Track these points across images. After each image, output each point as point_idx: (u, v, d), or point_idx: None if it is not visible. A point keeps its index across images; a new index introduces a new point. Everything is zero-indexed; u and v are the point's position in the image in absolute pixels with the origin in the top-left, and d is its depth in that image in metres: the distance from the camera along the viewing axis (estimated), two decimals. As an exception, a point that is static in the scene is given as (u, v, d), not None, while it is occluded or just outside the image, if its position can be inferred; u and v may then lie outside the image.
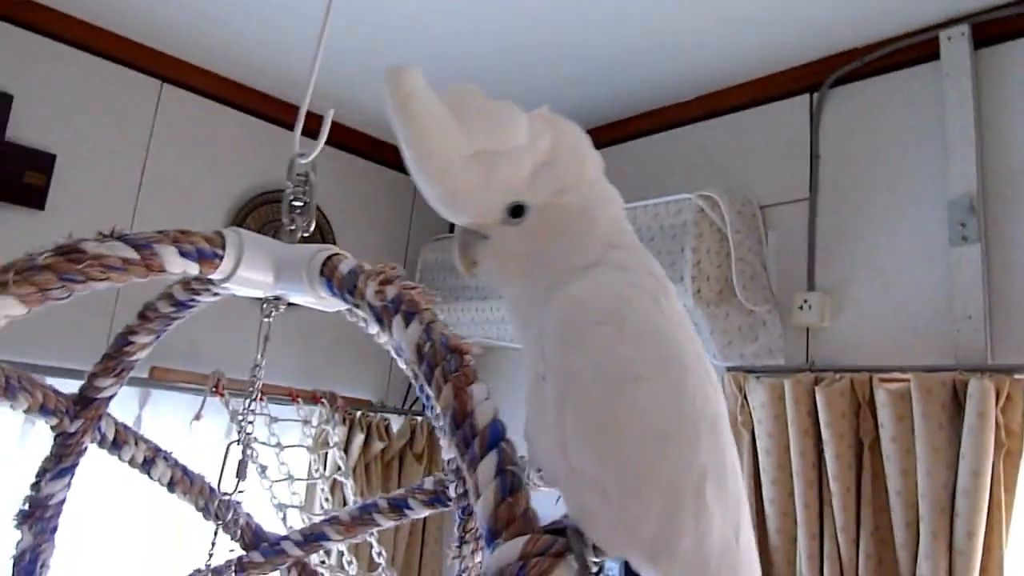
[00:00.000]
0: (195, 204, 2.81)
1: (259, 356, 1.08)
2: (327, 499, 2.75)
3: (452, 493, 1.18)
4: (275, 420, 2.64)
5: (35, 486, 1.07)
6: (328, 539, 1.27)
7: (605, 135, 2.71)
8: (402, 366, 1.16)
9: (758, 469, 2.10)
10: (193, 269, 0.91)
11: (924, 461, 1.80)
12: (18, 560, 1.06)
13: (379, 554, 2.45)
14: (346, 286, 0.90)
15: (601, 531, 0.65)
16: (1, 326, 0.73)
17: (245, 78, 2.90)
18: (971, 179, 2.03)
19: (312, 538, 1.27)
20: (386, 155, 3.35)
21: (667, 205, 2.35)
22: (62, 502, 1.11)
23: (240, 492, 1.09)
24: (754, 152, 2.56)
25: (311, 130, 1.09)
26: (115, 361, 1.15)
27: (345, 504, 2.71)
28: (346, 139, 3.16)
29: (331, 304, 1.02)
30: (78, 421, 1.12)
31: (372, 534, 2.50)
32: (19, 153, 2.39)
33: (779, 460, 2.05)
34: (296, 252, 0.98)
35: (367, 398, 3.23)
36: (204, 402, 2.62)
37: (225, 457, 1.15)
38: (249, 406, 1.11)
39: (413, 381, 1.15)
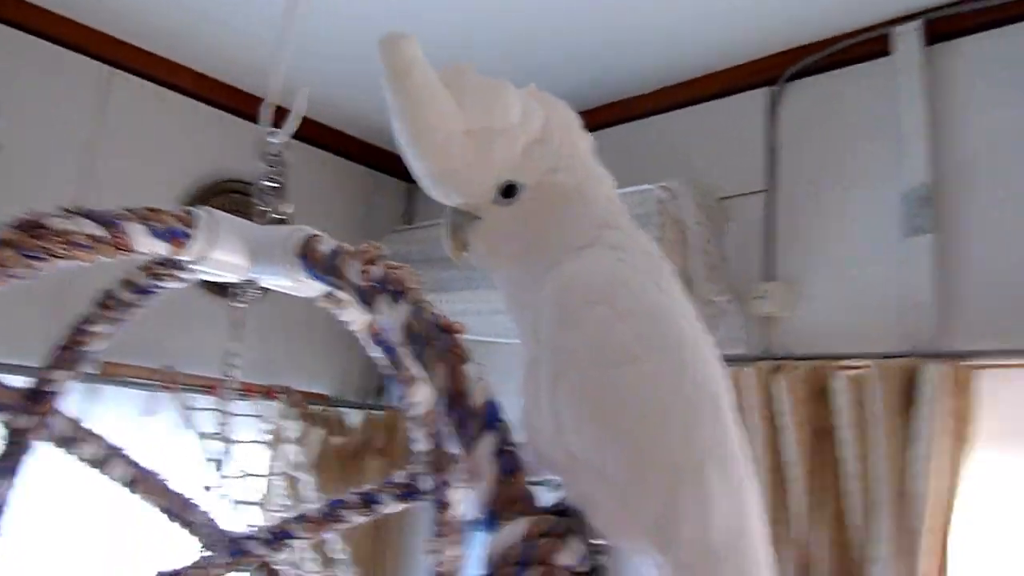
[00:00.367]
0: (145, 194, 2.71)
1: (235, 343, 1.04)
2: (285, 495, 2.70)
3: (426, 486, 1.16)
4: (231, 416, 2.57)
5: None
6: (295, 537, 1.23)
7: (565, 127, 2.68)
8: (375, 355, 1.14)
9: (720, 457, 2.12)
10: (162, 249, 0.87)
11: (879, 446, 1.84)
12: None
13: (342, 551, 2.41)
14: (327, 267, 0.87)
15: (602, 517, 0.64)
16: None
17: (199, 64, 2.81)
18: (923, 172, 2.08)
19: (279, 536, 1.23)
20: (341, 145, 3.30)
21: (629, 196, 2.36)
22: (3, 504, 1.04)
23: (219, 488, 1.05)
24: (713, 144, 2.59)
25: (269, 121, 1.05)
26: (70, 353, 1.10)
27: (303, 501, 2.66)
28: (299, 128, 3.08)
29: (307, 288, 0.99)
30: (27, 417, 1.06)
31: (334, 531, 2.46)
32: (-44, 139, 2.28)
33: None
34: (271, 233, 0.95)
35: (325, 392, 3.17)
36: (155, 397, 2.55)
37: (201, 454, 1.10)
38: (228, 396, 1.06)
39: (388, 372, 1.13)
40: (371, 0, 2.34)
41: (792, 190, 2.38)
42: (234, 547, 1.19)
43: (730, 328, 2.33)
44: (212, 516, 1.21)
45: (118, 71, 2.67)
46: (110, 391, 2.53)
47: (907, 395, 1.87)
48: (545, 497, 0.68)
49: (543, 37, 2.48)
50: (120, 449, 1.18)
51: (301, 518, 1.22)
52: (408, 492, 1.20)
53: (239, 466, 2.55)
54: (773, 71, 2.46)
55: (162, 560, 1.14)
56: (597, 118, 2.80)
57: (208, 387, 2.55)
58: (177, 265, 0.99)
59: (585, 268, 0.68)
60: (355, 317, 1.05)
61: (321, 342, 3.18)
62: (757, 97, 2.51)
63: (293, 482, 2.76)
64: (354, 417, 3.14)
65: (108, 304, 1.08)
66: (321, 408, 2.98)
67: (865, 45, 2.27)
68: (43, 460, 1.07)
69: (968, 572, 1.81)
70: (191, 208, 0.91)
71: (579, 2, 2.27)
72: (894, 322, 2.07)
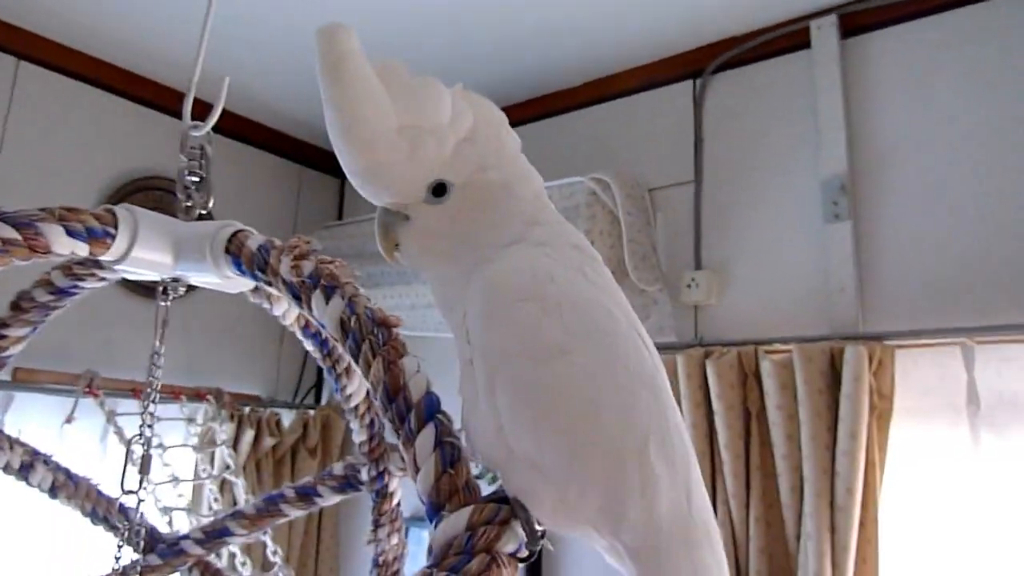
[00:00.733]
0: (59, 192, 2.59)
1: (157, 343, 1.01)
2: (216, 500, 2.63)
3: (364, 476, 1.14)
4: (157, 419, 2.48)
5: None
6: (231, 535, 1.20)
7: (495, 120, 2.68)
8: (309, 348, 1.12)
9: (654, 443, 2.16)
10: (82, 250, 0.83)
11: (807, 426, 1.91)
12: None
13: (274, 552, 2.37)
14: (256, 263, 0.85)
15: (544, 510, 0.64)
16: None
17: (114, 57, 2.70)
18: (841, 161, 2.17)
19: (214, 535, 1.20)
20: (271, 141, 3.23)
21: (560, 188, 2.38)
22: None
23: (143, 490, 1.01)
24: (641, 136, 2.64)
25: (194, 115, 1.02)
26: (-18, 358, 1.05)
27: (235, 504, 2.60)
28: (228, 124, 3.00)
29: (235, 284, 0.96)
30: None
31: (266, 532, 2.42)
32: None
33: (673, 433, 2.12)
34: (196, 229, 0.92)
35: (256, 393, 3.10)
36: (76, 404, 2.44)
37: (124, 466, 1.06)
38: (151, 397, 1.03)
39: (322, 364, 1.11)
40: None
41: (717, 180, 2.44)
42: (167, 548, 1.16)
43: (661, 316, 2.38)
44: (143, 517, 1.17)
45: (27, 63, 2.54)
46: (28, 399, 2.42)
47: (831, 376, 1.94)
48: (486, 487, 0.69)
49: (469, 31, 2.48)
50: (42, 454, 1.13)
51: (237, 514, 1.19)
52: (346, 484, 1.18)
53: (168, 471, 2.48)
54: (697, 64, 2.52)
55: (90, 566, 1.10)
56: (525, 112, 2.82)
57: (133, 391, 2.46)
58: (98, 264, 0.95)
59: (510, 266, 0.68)
60: (286, 308, 1.03)
61: (252, 342, 3.11)
62: (683, 89, 2.57)
63: (225, 486, 2.70)
64: (287, 417, 3.08)
65: (23, 306, 1.03)
66: (252, 409, 2.91)
67: (785, 38, 2.34)
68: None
69: (897, 543, 1.90)
70: (111, 207, 0.88)
71: (506, -5, 2.28)
72: (817, 306, 2.15)
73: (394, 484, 1.13)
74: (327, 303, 0.76)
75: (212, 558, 1.30)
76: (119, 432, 2.41)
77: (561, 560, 2.40)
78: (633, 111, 2.68)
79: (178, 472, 2.51)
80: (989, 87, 2.04)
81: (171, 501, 2.45)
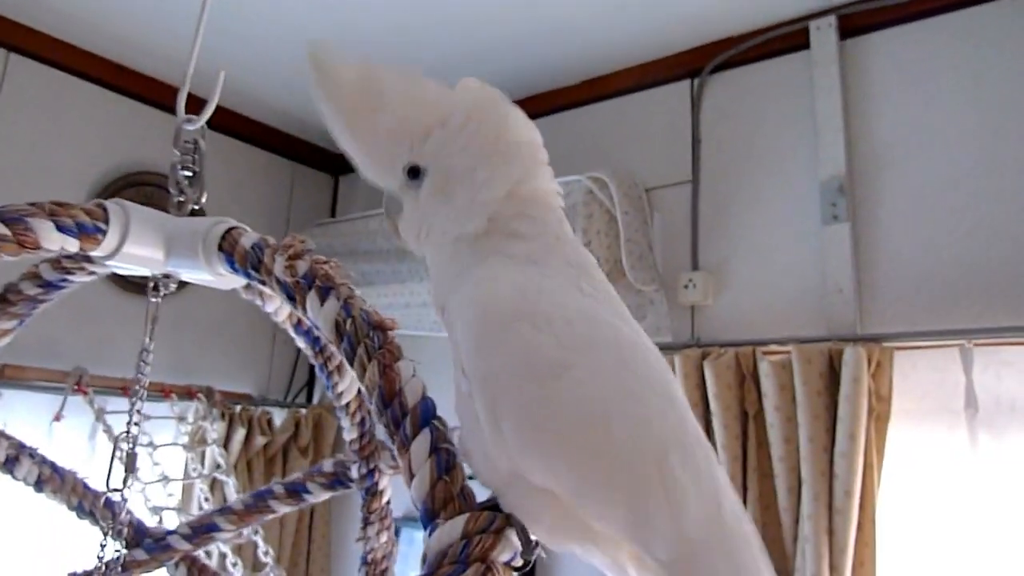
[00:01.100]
0: (49, 186, 2.56)
1: (147, 339, 0.98)
2: (207, 499, 2.61)
3: (354, 474, 1.13)
4: (146, 418, 2.46)
5: None
6: (219, 530, 1.18)
7: (492, 118, 2.66)
8: (301, 345, 1.10)
9: (650, 444, 2.15)
10: (72, 246, 0.81)
11: (805, 427, 1.90)
12: None
13: (265, 552, 2.34)
14: (249, 261, 0.83)
15: (542, 528, 0.62)
16: None
17: (107, 50, 2.67)
18: (839, 162, 2.15)
19: (202, 530, 1.18)
20: (265, 138, 3.20)
21: (557, 187, 2.36)
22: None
23: (128, 487, 0.99)
24: (638, 136, 2.62)
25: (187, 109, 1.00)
26: (-32, 351, 1.02)
27: (226, 503, 2.57)
28: (220, 119, 2.95)
29: (228, 281, 0.94)
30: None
31: (257, 532, 2.39)
32: None
33: (670, 434, 2.11)
34: (189, 225, 0.90)
35: (247, 392, 3.08)
36: (65, 401, 2.42)
37: (111, 464, 1.03)
38: (139, 395, 1.00)
39: (314, 361, 1.09)
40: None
41: (714, 181, 2.43)
42: (153, 543, 1.14)
43: (657, 317, 2.37)
44: (131, 512, 1.15)
45: (17, 55, 2.51)
46: (16, 396, 2.39)
47: (829, 378, 1.93)
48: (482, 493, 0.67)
49: (467, 30, 2.46)
50: (28, 447, 1.11)
51: (225, 510, 1.17)
52: (336, 481, 1.17)
53: (158, 470, 2.45)
54: (695, 63, 2.50)
55: (74, 560, 1.08)
56: (523, 110, 2.79)
57: (123, 389, 2.44)
58: (87, 258, 0.93)
59: (492, 290, 0.65)
60: (279, 306, 1.01)
61: (243, 340, 3.08)
62: (680, 89, 2.55)
63: (216, 485, 2.67)
64: (278, 416, 3.06)
65: (9, 299, 1.00)
66: (243, 408, 2.88)
67: (784, 39, 2.33)
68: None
69: (894, 546, 1.89)
70: (102, 201, 0.86)
71: (504, -8, 2.26)
72: (815, 307, 2.14)
73: (384, 482, 1.12)
74: (322, 304, 0.75)
75: (201, 555, 1.28)
76: (108, 430, 2.38)
77: (555, 567, 2.39)
78: (630, 111, 2.66)
79: (168, 471, 2.48)
80: (988, 89, 2.03)
81: (161, 500, 2.43)
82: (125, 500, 1.02)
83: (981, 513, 1.83)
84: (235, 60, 2.63)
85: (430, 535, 0.60)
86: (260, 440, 2.88)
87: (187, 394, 2.71)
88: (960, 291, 1.95)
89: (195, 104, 1.01)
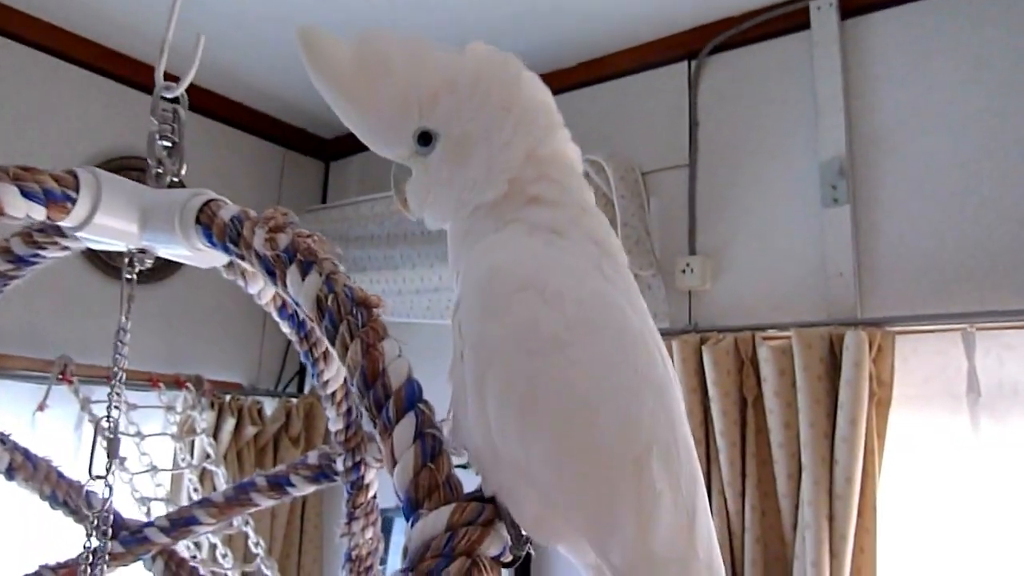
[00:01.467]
0: (31, 171, 2.50)
1: (123, 318, 0.93)
2: (196, 490, 2.56)
3: (340, 467, 1.08)
4: (134, 407, 2.42)
5: None
6: (199, 523, 1.14)
7: (486, 101, 2.61)
8: (285, 330, 1.05)
9: (647, 431, 2.12)
10: (39, 213, 0.77)
11: (805, 413, 1.86)
12: None
13: (256, 544, 2.30)
14: (228, 235, 0.79)
15: (527, 517, 0.58)
16: None
17: (91, 32, 2.60)
18: (840, 143, 2.11)
19: (181, 523, 1.14)
20: (254, 123, 3.13)
21: (552, 170, 2.32)
22: None
23: (111, 474, 0.94)
24: (635, 119, 2.57)
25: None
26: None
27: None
28: (208, 103, 2.91)
29: (206, 257, 0.90)
30: None
31: (248, 523, 2.34)
32: None
33: (667, 421, 2.07)
34: (166, 197, 0.85)
35: (237, 381, 3.03)
36: (49, 390, 2.37)
37: (92, 450, 0.99)
38: (119, 376, 0.95)
39: (298, 347, 1.05)
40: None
41: (713, 164, 2.38)
42: (130, 536, 1.09)
43: (654, 302, 2.32)
44: (106, 502, 1.11)
45: (-2, 36, 2.45)
46: (-2, 385, 2.34)
47: (829, 363, 1.89)
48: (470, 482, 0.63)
49: (461, 11, 2.40)
50: (-1, 434, 1.06)
51: (205, 503, 1.13)
52: (321, 474, 1.13)
53: (146, 460, 2.41)
54: (693, 44, 2.45)
55: (47, 552, 1.03)
56: (518, 92, 2.74)
57: (109, 378, 2.38)
58: (59, 231, 0.88)
59: (508, 255, 0.62)
60: (263, 287, 0.96)
61: (233, 328, 3.03)
62: (678, 71, 2.50)
63: (205, 476, 2.63)
64: (269, 406, 3.01)
65: (-24, 274, 0.96)
66: (233, 397, 2.83)
67: (784, 19, 2.28)
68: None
69: (895, 532, 1.86)
70: (73, 168, 0.81)
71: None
72: (815, 291, 2.10)
73: (370, 475, 1.08)
74: (303, 279, 0.70)
75: (190, 547, 1.24)
76: (94, 420, 2.33)
77: (550, 565, 2.36)
78: (627, 93, 2.61)
79: (156, 461, 2.44)
80: (990, 69, 1.99)
81: (149, 491, 2.39)
82: (110, 488, 0.98)
83: (983, 499, 1.81)
84: (224, 43, 2.57)
85: (412, 526, 0.56)
86: (250, 430, 2.83)
87: (175, 383, 2.66)
88: (962, 274, 1.92)
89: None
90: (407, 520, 0.56)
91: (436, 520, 0.54)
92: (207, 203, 0.83)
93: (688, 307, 2.32)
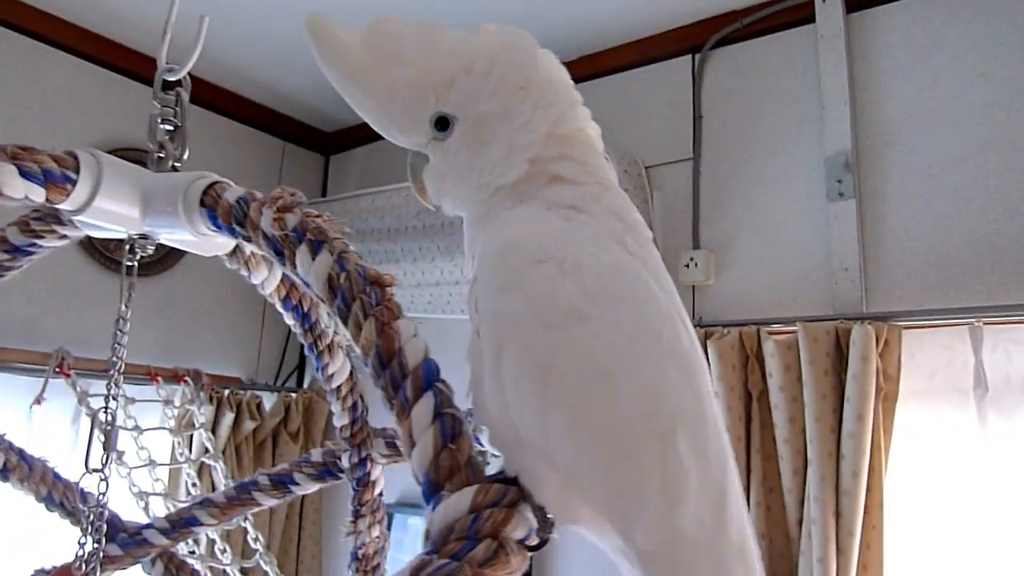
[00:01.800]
0: (29, 162, 2.47)
1: (123, 306, 0.91)
2: (194, 484, 2.54)
3: (345, 463, 1.06)
4: (132, 401, 2.40)
5: None
6: (199, 524, 1.12)
7: (487, 94, 2.59)
8: (289, 322, 1.03)
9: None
10: (37, 195, 0.74)
11: (811, 407, 1.84)
12: None
13: (255, 539, 2.28)
14: (234, 216, 0.77)
15: (548, 496, 0.56)
16: None
17: (90, 22, 2.58)
18: (845, 137, 2.10)
19: (180, 524, 1.12)
20: (255, 116, 3.11)
21: (555, 164, 2.30)
22: None
23: (107, 467, 0.91)
24: (638, 113, 2.55)
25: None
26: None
27: (214, 489, 2.51)
28: (208, 95, 2.89)
29: (210, 244, 0.88)
30: None
31: (247, 518, 2.32)
32: None
33: (670, 416, 2.06)
34: (168, 180, 0.83)
35: (236, 375, 3.00)
36: (46, 384, 2.34)
37: (89, 442, 0.96)
38: (118, 366, 0.93)
39: (303, 340, 1.03)
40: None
41: (716, 158, 2.37)
42: (128, 538, 1.07)
43: (658, 297, 2.30)
44: (104, 503, 1.08)
45: (-5, 25, 2.42)
46: (-6, 378, 2.31)
47: (836, 357, 1.88)
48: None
49: (462, 4, 2.38)
50: (-10, 433, 1.03)
51: (206, 503, 1.11)
52: (325, 471, 1.10)
53: (144, 455, 2.38)
54: (696, 38, 2.44)
55: (44, 554, 1.01)
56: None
57: (107, 371, 2.36)
58: (57, 218, 0.86)
59: (524, 228, 0.61)
60: (266, 276, 0.94)
61: (232, 322, 3.01)
62: (681, 64, 2.49)
63: (204, 471, 2.60)
64: (268, 400, 2.99)
65: (-27, 263, 0.93)
66: (231, 391, 2.81)
67: (789, 12, 2.27)
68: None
69: (901, 528, 1.85)
70: (73, 150, 0.79)
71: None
72: (819, 287, 2.09)
73: (376, 472, 1.06)
74: (313, 259, 0.69)
75: (183, 546, 1.21)
76: (92, 413, 2.31)
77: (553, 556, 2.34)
78: (630, 87, 2.60)
79: (155, 456, 2.41)
80: (996, 63, 1.98)
81: (147, 486, 2.36)
82: (106, 481, 0.95)
83: (990, 494, 1.79)
84: (225, 35, 2.55)
85: (433, 509, 0.54)
86: (249, 424, 2.81)
87: (174, 377, 2.64)
88: (969, 269, 1.90)
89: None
90: (427, 503, 0.54)
91: (459, 501, 0.53)
92: (211, 185, 0.81)
93: (692, 302, 2.30)
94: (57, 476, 1.05)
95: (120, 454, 2.22)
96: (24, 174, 0.72)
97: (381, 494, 1.07)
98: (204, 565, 1.28)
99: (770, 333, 1.98)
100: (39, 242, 0.91)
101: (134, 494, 2.29)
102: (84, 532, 0.91)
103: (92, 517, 0.94)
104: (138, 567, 1.11)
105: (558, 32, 2.55)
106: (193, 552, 1.62)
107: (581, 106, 0.70)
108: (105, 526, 1.07)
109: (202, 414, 2.64)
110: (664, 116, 2.49)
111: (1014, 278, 1.85)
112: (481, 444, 0.74)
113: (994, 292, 1.85)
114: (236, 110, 3.05)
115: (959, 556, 1.82)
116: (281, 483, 1.11)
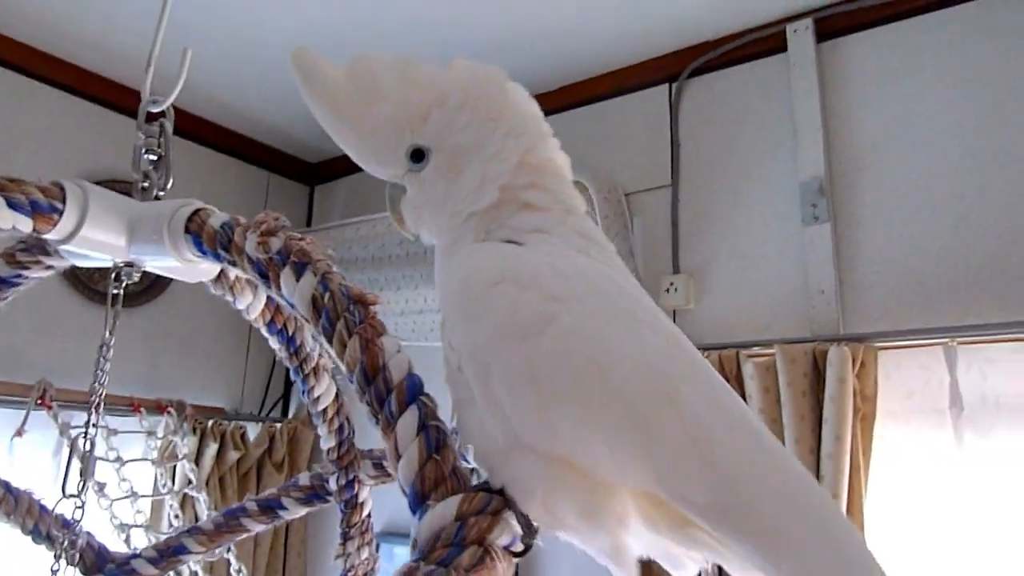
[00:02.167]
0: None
1: (107, 333, 0.92)
2: (177, 516, 2.52)
3: (333, 485, 1.07)
4: (114, 432, 2.38)
5: None
6: (188, 552, 1.12)
7: (469, 124, 2.63)
8: (274, 346, 1.05)
9: (633, 450, 2.11)
10: (25, 225, 0.76)
11: (791, 429, 1.87)
12: None
13: (238, 571, 2.26)
14: (219, 241, 0.79)
15: (534, 503, 0.58)
16: None
17: (73, 56, 2.61)
18: (819, 163, 2.15)
19: (168, 553, 1.12)
20: (240, 148, 3.14)
21: (536, 191, 2.33)
22: None
23: (83, 492, 0.92)
24: (617, 141, 2.60)
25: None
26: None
27: (197, 521, 2.48)
28: (192, 127, 2.91)
29: (195, 270, 0.89)
30: None
31: (230, 549, 2.29)
32: None
33: (654, 440, 2.07)
34: (153, 208, 0.85)
35: (219, 405, 2.99)
36: (27, 416, 2.32)
37: (67, 467, 0.96)
38: (100, 393, 0.94)
39: (288, 364, 1.04)
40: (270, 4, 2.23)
41: (694, 184, 2.41)
42: (116, 568, 1.07)
43: (639, 322, 2.33)
44: (91, 536, 1.08)
45: (-21, 60, 2.44)
46: (-26, 411, 2.29)
47: (813, 378, 1.91)
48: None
49: (445, 36, 2.43)
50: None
51: (194, 531, 1.11)
52: (313, 495, 1.11)
53: (126, 486, 2.36)
54: (673, 67, 2.50)
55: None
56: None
57: (89, 394, 2.34)
58: (43, 249, 0.87)
59: (479, 260, 0.64)
60: (251, 301, 0.96)
61: (216, 353, 3.00)
62: (659, 93, 2.54)
63: (187, 502, 2.58)
64: (252, 431, 2.97)
65: (-42, 298, 0.94)
66: (215, 422, 2.79)
67: (761, 42, 2.33)
68: None
69: (882, 546, 1.86)
70: (59, 180, 0.81)
71: (478, 2, 2.24)
72: (796, 309, 2.12)
73: (364, 494, 1.07)
74: (297, 280, 0.71)
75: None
76: (71, 440, 2.29)
77: (540, 560, 2.33)
78: (609, 116, 2.65)
79: (137, 488, 2.39)
80: (965, 88, 2.04)
81: (129, 518, 2.34)
82: (82, 507, 0.95)
83: (968, 512, 1.81)
84: (209, 67, 2.58)
85: (420, 518, 0.55)
86: (233, 455, 2.79)
87: (157, 408, 2.63)
88: (943, 288, 1.94)
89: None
90: (413, 513, 0.56)
91: (445, 510, 0.54)
92: (196, 212, 0.83)
93: (673, 326, 2.32)
94: (44, 509, 1.05)
95: (101, 485, 2.20)
96: (12, 205, 0.74)
97: (369, 515, 1.08)
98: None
99: (749, 356, 2.01)
100: (25, 273, 0.92)
101: (115, 526, 2.27)
102: (56, 557, 0.91)
103: (65, 542, 0.94)
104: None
105: (539, 63, 2.60)
106: (175, 585, 1.61)
107: (551, 137, 0.72)
108: (92, 557, 1.07)
109: (185, 445, 2.62)
110: (643, 144, 2.54)
111: (987, 297, 1.89)
112: (468, 461, 0.76)
113: (968, 311, 1.89)
114: (221, 141, 3.07)
115: (939, 573, 1.84)
116: (269, 508, 1.11)
